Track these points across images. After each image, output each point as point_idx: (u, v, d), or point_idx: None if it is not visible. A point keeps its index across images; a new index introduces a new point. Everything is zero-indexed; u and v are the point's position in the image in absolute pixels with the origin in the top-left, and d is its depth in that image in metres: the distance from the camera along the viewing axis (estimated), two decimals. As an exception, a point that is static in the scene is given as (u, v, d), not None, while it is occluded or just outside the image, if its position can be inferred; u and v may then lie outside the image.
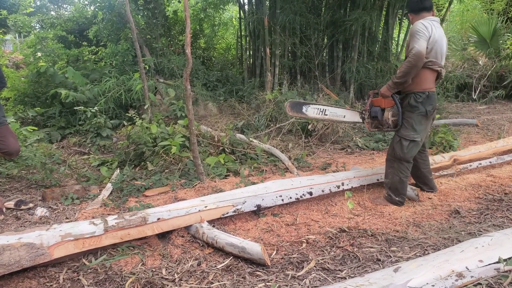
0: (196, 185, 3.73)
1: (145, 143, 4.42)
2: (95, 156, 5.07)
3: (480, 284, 1.89)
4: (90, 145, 5.53)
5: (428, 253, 2.38)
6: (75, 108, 5.79)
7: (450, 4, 7.98)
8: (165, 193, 3.62)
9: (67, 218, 3.15)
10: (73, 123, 6.09)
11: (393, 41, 9.00)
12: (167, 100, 6.39)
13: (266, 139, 5.34)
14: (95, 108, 5.79)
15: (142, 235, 2.59)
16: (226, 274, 2.30)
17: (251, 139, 5.11)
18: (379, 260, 2.39)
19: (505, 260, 2.03)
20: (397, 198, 3.27)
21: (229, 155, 4.57)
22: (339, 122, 3.80)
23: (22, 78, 7.00)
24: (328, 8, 7.87)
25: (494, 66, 9.71)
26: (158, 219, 2.64)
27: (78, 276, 2.26)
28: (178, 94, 6.51)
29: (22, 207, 3.32)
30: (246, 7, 8.81)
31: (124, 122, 5.87)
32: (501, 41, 9.98)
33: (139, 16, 7.97)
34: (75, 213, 3.22)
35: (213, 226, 2.81)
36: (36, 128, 5.30)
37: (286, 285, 2.14)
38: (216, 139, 4.83)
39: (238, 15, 9.73)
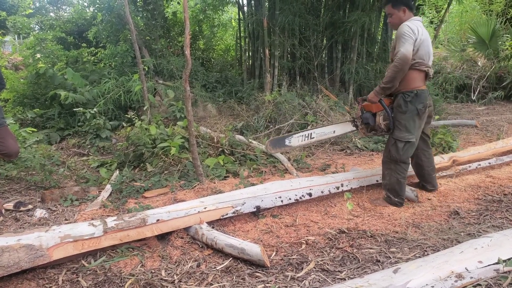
0: (195, 186, 3.73)
1: (145, 144, 4.42)
2: (94, 157, 5.07)
3: (479, 285, 1.89)
4: (89, 146, 5.53)
5: (428, 254, 2.38)
6: (74, 109, 5.79)
7: (449, 5, 7.98)
8: (165, 195, 3.62)
9: (66, 219, 3.14)
10: (72, 125, 6.09)
11: (392, 42, 8.98)
12: (166, 101, 6.39)
13: (266, 140, 5.34)
14: (95, 109, 5.79)
15: (142, 237, 2.59)
16: (226, 275, 2.30)
17: (250, 140, 5.11)
18: (379, 261, 2.39)
19: (504, 261, 2.03)
20: (396, 199, 3.27)
21: (228, 156, 4.57)
22: (330, 139, 3.67)
23: (21, 80, 7.00)
24: (327, 9, 7.88)
25: (493, 67, 9.72)
26: (158, 220, 2.64)
27: (77, 277, 2.26)
28: (178, 95, 6.51)
29: (21, 208, 3.32)
30: (245, 8, 8.81)
31: (123, 123, 5.87)
32: (500, 42, 9.98)
33: (138, 18, 7.98)
34: (74, 215, 3.22)
35: (213, 227, 2.81)
36: (35, 130, 5.30)
37: (286, 286, 2.13)
38: (215, 140, 4.83)
39: (237, 17, 9.73)
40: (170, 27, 8.98)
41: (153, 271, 2.35)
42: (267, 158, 4.74)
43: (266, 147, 3.24)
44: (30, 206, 3.37)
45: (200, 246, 2.65)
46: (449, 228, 2.85)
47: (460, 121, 7.03)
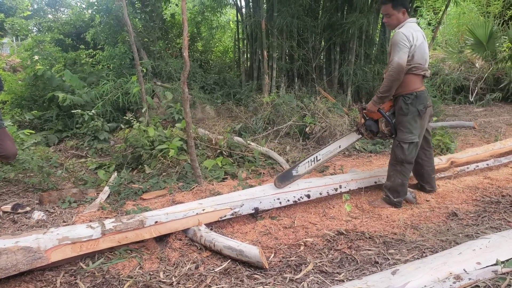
0: (193, 188, 3.72)
1: (143, 146, 4.42)
2: (93, 159, 5.06)
3: (478, 286, 1.89)
4: (87, 148, 5.52)
5: (426, 256, 2.38)
6: (73, 111, 5.78)
7: (446, 7, 8.00)
8: (163, 196, 3.61)
9: (64, 221, 3.13)
10: (70, 126, 6.08)
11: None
12: (164, 103, 6.39)
13: (264, 142, 5.34)
14: (93, 111, 5.78)
15: (140, 239, 2.59)
16: (224, 277, 2.29)
17: (248, 142, 5.11)
18: (377, 262, 2.39)
19: (502, 262, 2.03)
20: (395, 200, 3.28)
21: (226, 158, 4.56)
22: (336, 155, 3.58)
23: (19, 82, 6.99)
24: (325, 11, 7.89)
25: (491, 68, 9.76)
26: (156, 222, 2.63)
27: (76, 280, 2.25)
28: (176, 97, 6.51)
29: (19, 210, 3.31)
30: (243, 10, 8.82)
31: (121, 125, 5.86)
32: (497, 44, 10.02)
33: (137, 19, 7.97)
34: (72, 217, 3.21)
35: (211, 229, 2.81)
36: (33, 132, 5.29)
37: (284, 288, 2.13)
38: (213, 142, 4.83)
39: (235, 18, 9.75)
40: (168, 29, 8.99)
41: (151, 273, 2.34)
42: (266, 160, 4.74)
43: (275, 184, 3.22)
44: (28, 208, 3.36)
45: (199, 248, 2.64)
46: (447, 229, 2.85)
47: (458, 122, 7.05)
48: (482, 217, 3.05)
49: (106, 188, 3.79)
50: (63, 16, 12.57)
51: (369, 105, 3.31)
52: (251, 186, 3.60)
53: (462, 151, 4.55)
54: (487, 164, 4.34)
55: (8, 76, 7.23)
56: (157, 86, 7.10)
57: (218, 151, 4.71)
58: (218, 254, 2.55)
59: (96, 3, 8.09)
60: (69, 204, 3.48)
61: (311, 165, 3.39)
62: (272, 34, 7.29)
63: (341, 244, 2.66)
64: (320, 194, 3.37)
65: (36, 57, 7.10)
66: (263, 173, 4.33)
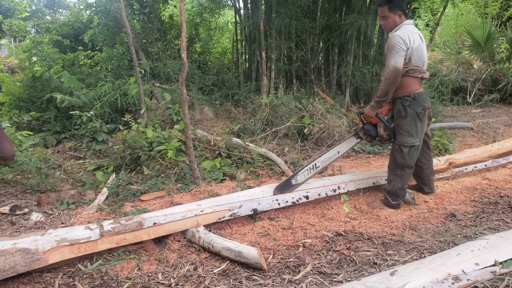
0: (192, 189, 3.72)
1: (141, 148, 4.41)
2: (91, 160, 5.05)
3: (476, 287, 1.90)
4: (85, 149, 5.51)
5: (425, 257, 2.38)
6: (71, 112, 5.77)
7: (444, 8, 8.02)
8: (161, 198, 3.61)
9: (62, 223, 3.13)
10: (68, 128, 6.06)
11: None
12: (163, 104, 6.38)
13: (262, 143, 5.34)
14: (91, 112, 5.77)
15: (138, 240, 2.58)
16: (223, 278, 2.29)
17: (247, 143, 5.11)
18: (376, 263, 2.39)
19: (501, 263, 2.03)
20: (393, 202, 3.28)
21: (225, 159, 4.56)
22: (336, 160, 3.57)
23: (18, 83, 6.97)
24: (324, 12, 7.90)
25: (489, 69, 9.78)
26: (154, 223, 2.63)
27: (74, 281, 2.25)
28: (174, 98, 6.51)
29: (17, 212, 3.30)
30: (241, 11, 8.83)
31: (120, 126, 5.85)
32: (495, 45, 10.04)
33: (135, 21, 7.97)
34: (70, 218, 3.20)
35: (210, 231, 2.81)
36: (31, 133, 5.28)
37: (283, 289, 2.13)
38: (212, 143, 4.83)
39: (234, 20, 9.75)
40: (167, 30, 8.98)
41: (150, 274, 2.34)
42: (264, 161, 4.74)
43: (275, 194, 3.23)
44: (26, 210, 3.35)
45: (197, 249, 2.64)
46: (446, 230, 2.85)
47: (456, 123, 7.06)
48: (481, 218, 3.06)
49: (105, 190, 3.78)
50: (61, 17, 12.56)
51: (367, 110, 3.28)
52: (250, 187, 3.61)
53: (460, 152, 4.56)
54: (485, 165, 4.35)
55: (6, 77, 7.22)
56: (155, 87, 7.09)
57: (217, 152, 4.71)
58: (216, 255, 2.55)
59: (94, 5, 8.08)
60: (68, 206, 3.48)
61: (310, 172, 3.38)
62: (270, 35, 7.29)
63: (339, 245, 2.66)
64: (319, 195, 3.37)
65: (34, 59, 7.08)
66: (262, 174, 4.33)
